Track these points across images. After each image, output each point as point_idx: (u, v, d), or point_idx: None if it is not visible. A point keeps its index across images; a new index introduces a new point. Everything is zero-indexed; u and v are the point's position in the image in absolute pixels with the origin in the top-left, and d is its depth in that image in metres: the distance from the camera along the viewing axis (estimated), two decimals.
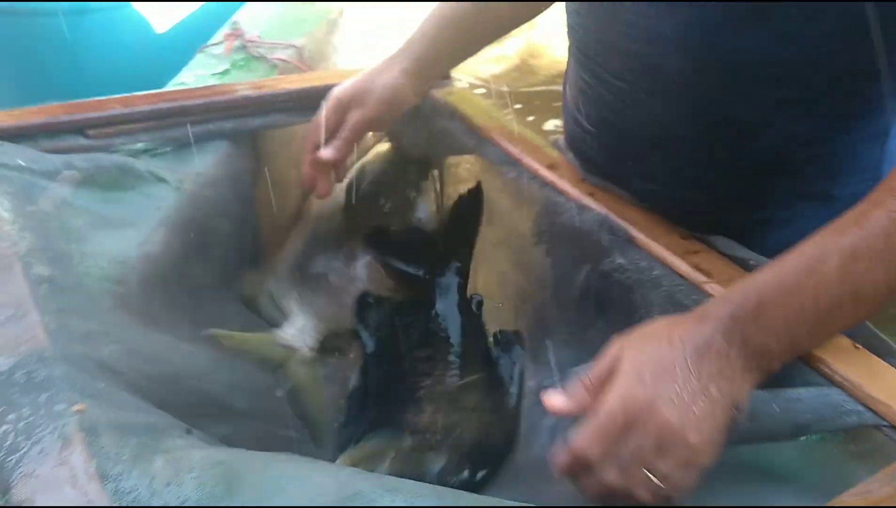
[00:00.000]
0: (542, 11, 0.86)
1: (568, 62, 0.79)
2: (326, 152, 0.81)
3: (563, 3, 0.75)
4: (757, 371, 0.51)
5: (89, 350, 0.58)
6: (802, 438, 0.55)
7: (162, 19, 1.70)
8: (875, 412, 0.53)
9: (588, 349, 0.57)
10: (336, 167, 0.84)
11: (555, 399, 0.52)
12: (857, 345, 0.57)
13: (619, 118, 0.72)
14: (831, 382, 0.55)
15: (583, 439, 0.49)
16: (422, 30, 0.84)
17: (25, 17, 1.75)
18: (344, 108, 0.82)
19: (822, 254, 0.52)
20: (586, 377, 0.52)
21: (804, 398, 0.54)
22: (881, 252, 0.51)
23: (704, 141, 0.68)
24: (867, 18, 0.56)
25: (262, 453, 0.50)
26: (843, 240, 0.52)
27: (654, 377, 0.50)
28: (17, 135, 0.78)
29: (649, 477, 0.48)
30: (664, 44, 0.64)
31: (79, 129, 0.82)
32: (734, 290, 0.54)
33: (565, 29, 0.76)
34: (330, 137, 0.82)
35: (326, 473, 0.48)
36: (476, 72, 1.08)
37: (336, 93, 0.83)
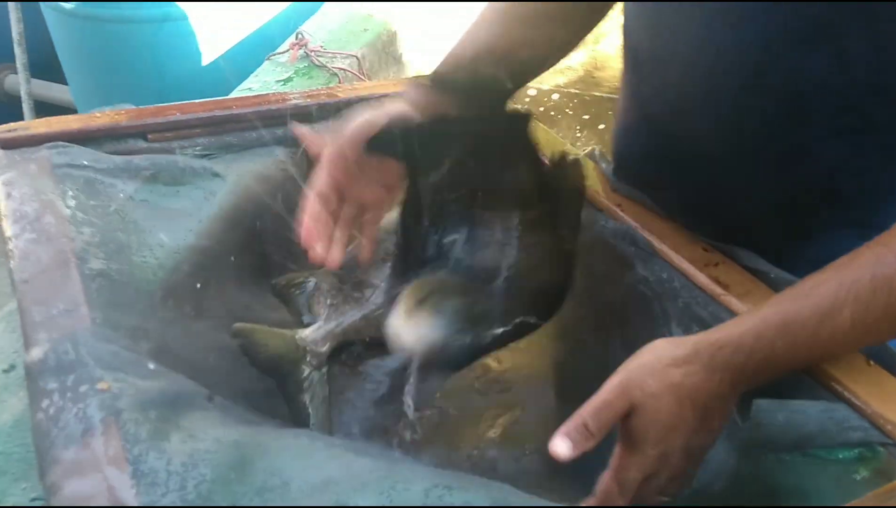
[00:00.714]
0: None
1: (623, 69, 0.80)
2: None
3: (621, 4, 0.75)
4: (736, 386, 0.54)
5: (129, 338, 0.62)
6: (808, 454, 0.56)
7: (235, 28, 1.78)
8: (881, 430, 0.53)
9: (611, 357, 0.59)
10: None
11: (560, 449, 0.53)
12: (871, 362, 0.57)
13: (671, 128, 0.73)
14: (839, 398, 0.55)
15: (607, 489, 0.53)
16: (441, 67, 0.77)
17: (114, 23, 1.85)
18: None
19: (832, 304, 0.53)
20: (589, 420, 0.53)
21: (809, 411, 0.55)
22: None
23: (752, 159, 0.68)
24: None
25: (279, 430, 0.53)
26: (849, 289, 0.53)
27: (668, 438, 0.52)
28: (84, 138, 0.84)
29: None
30: (725, 59, 0.65)
31: (140, 133, 0.87)
32: (747, 333, 0.54)
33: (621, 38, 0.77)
34: None
35: (338, 458, 0.50)
36: (539, 81, 1.10)
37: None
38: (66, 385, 0.50)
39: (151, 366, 0.56)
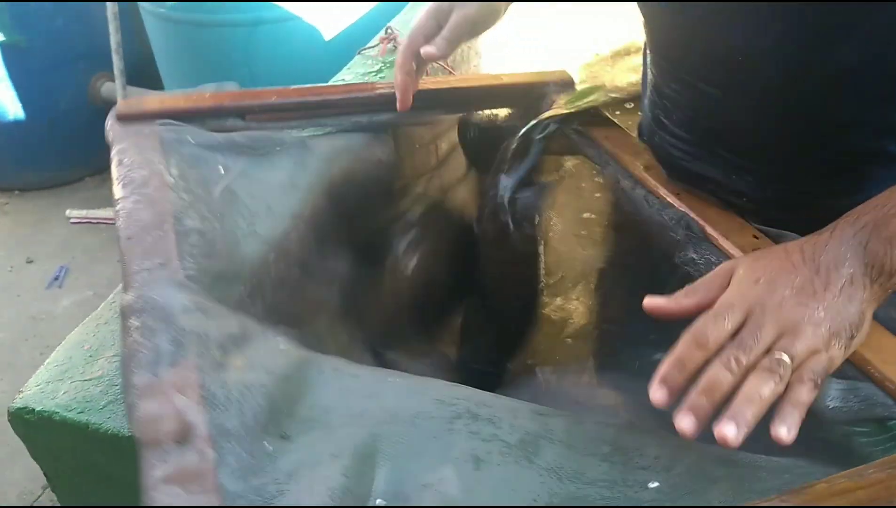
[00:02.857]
0: None
1: (645, 71, 0.83)
2: (428, 49, 0.82)
3: (643, 8, 0.78)
4: (877, 285, 0.53)
5: (221, 287, 0.69)
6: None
7: (329, 27, 1.88)
8: None
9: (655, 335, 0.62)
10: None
11: (656, 300, 0.54)
12: None
13: (711, 122, 0.76)
14: (867, 376, 0.57)
15: (700, 324, 0.51)
16: None
17: (211, 27, 1.98)
18: (445, 12, 0.84)
19: None
20: (691, 286, 0.54)
21: (834, 386, 0.56)
22: None
23: (798, 139, 0.71)
24: None
25: (326, 364, 0.59)
26: None
27: (766, 275, 0.52)
28: (190, 116, 0.93)
29: (780, 357, 0.48)
30: (761, 54, 0.67)
31: (240, 113, 0.96)
32: (855, 209, 0.55)
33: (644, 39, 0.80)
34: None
35: (373, 390, 0.56)
36: (614, 80, 1.13)
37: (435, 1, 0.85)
38: (147, 324, 0.58)
39: (224, 310, 0.62)
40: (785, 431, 0.48)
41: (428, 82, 1.06)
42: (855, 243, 0.53)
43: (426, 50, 0.82)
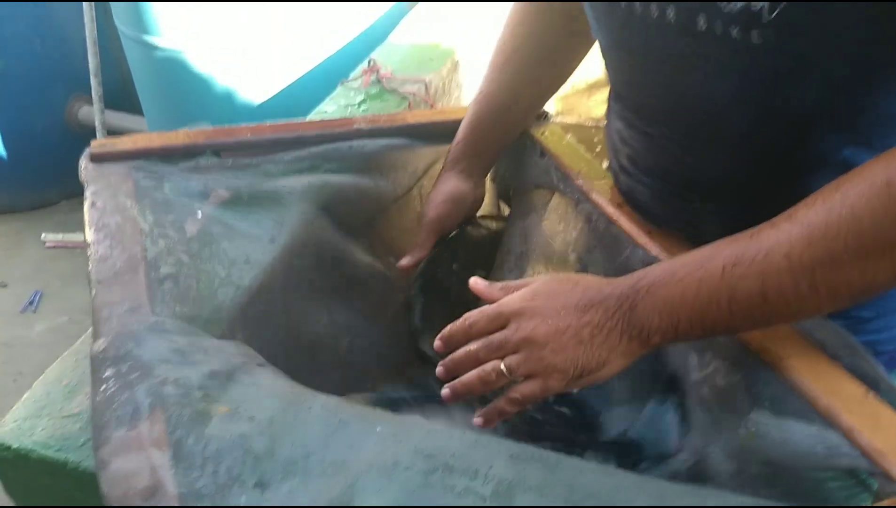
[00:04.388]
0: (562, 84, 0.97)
1: (609, 119, 0.84)
2: (405, 261, 0.95)
3: (604, 56, 0.80)
4: (637, 341, 0.62)
5: (192, 331, 0.69)
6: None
7: (311, 57, 1.88)
8: (869, 459, 0.55)
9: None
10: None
11: (480, 284, 0.69)
12: (868, 393, 0.59)
13: (676, 167, 0.76)
14: (834, 425, 0.58)
15: (471, 314, 0.67)
16: (461, 133, 0.97)
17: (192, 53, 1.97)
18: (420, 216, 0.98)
19: (712, 255, 0.61)
20: (506, 285, 0.68)
21: (802, 432, 0.57)
22: (759, 264, 0.58)
23: (765, 179, 0.71)
24: None
25: (310, 406, 0.59)
26: (732, 247, 0.60)
27: (544, 300, 0.64)
28: (164, 155, 0.93)
29: (500, 366, 0.63)
30: (721, 101, 0.68)
31: (215, 151, 0.96)
32: (640, 271, 0.64)
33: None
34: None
35: (354, 438, 0.56)
36: (590, 112, 1.15)
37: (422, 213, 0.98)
38: (121, 373, 0.58)
39: (198, 346, 0.62)
40: (479, 420, 0.67)
41: (409, 116, 1.07)
42: (627, 303, 0.62)
43: (401, 264, 0.95)
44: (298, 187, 0.91)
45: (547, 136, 0.99)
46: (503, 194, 1.08)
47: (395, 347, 0.98)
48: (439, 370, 0.67)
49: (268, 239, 0.83)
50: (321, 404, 0.61)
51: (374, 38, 1.73)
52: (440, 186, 0.97)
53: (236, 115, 1.88)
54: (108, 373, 0.58)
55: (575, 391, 0.72)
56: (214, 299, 0.75)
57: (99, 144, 0.90)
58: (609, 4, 0.71)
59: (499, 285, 0.69)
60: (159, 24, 1.90)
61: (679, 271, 0.62)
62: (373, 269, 0.99)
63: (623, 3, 0.68)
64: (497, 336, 0.65)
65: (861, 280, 0.56)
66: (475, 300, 0.71)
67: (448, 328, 0.68)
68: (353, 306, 0.96)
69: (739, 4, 0.59)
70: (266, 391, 0.61)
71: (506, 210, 1.10)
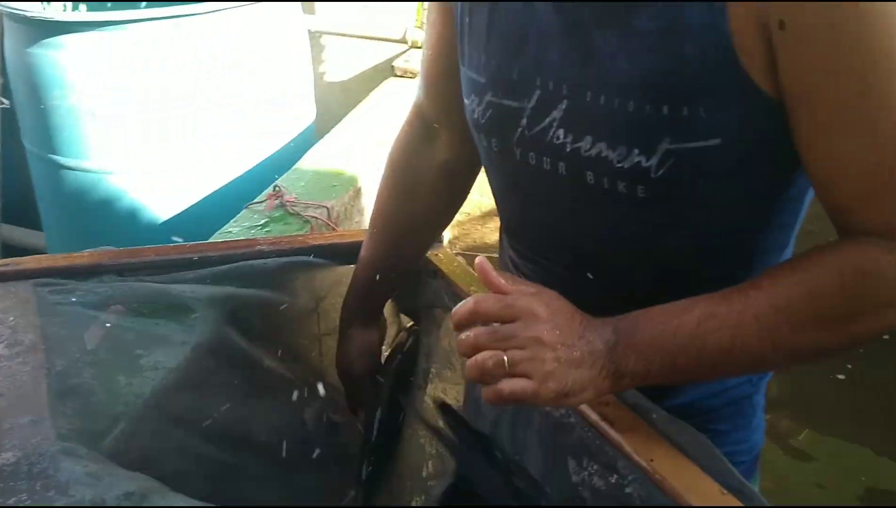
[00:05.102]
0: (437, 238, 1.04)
1: (502, 245, 0.91)
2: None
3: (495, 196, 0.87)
4: (610, 379, 0.67)
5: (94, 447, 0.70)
6: None
7: (212, 180, 1.93)
8: None
9: None
10: None
11: (486, 266, 0.68)
12: (724, 491, 0.66)
13: (567, 295, 0.82)
14: None
15: (486, 299, 0.66)
16: (351, 295, 1.03)
17: (97, 173, 2.01)
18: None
19: (688, 307, 0.67)
20: (514, 278, 0.71)
21: None
22: (731, 322, 0.65)
23: (653, 300, 0.76)
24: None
25: None
26: (707, 303, 0.67)
27: (554, 310, 0.66)
28: (68, 275, 0.95)
29: (502, 358, 0.64)
30: (605, 245, 0.76)
31: (119, 271, 0.98)
32: (629, 315, 0.68)
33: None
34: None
35: None
36: (483, 238, 1.23)
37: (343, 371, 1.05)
38: (36, 489, 0.59)
39: (110, 472, 0.64)
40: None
41: (310, 238, 1.13)
42: (613, 340, 0.67)
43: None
44: (205, 298, 0.94)
45: (440, 257, 1.06)
46: (402, 310, 1.13)
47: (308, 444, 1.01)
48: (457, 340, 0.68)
49: (178, 343, 0.85)
50: None
51: (281, 163, 1.80)
52: (353, 344, 1.02)
53: (139, 234, 1.90)
54: (21, 486, 0.60)
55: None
56: (114, 410, 0.77)
57: (3, 263, 0.92)
58: (504, 154, 0.77)
59: (507, 276, 0.70)
60: (67, 143, 1.93)
61: (657, 317, 0.68)
62: (282, 375, 1.02)
63: (518, 152, 0.76)
64: (505, 328, 0.65)
65: (815, 345, 0.67)
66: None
67: (455, 310, 0.68)
68: (263, 407, 0.97)
69: (632, 161, 0.68)
70: None
71: (407, 321, 1.14)
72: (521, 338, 0.64)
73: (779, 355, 0.68)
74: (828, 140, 0.64)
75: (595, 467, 0.73)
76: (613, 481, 0.71)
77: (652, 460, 0.69)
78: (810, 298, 0.65)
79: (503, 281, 0.68)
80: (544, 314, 0.65)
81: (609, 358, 0.66)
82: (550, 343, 0.64)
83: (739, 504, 0.65)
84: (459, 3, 0.77)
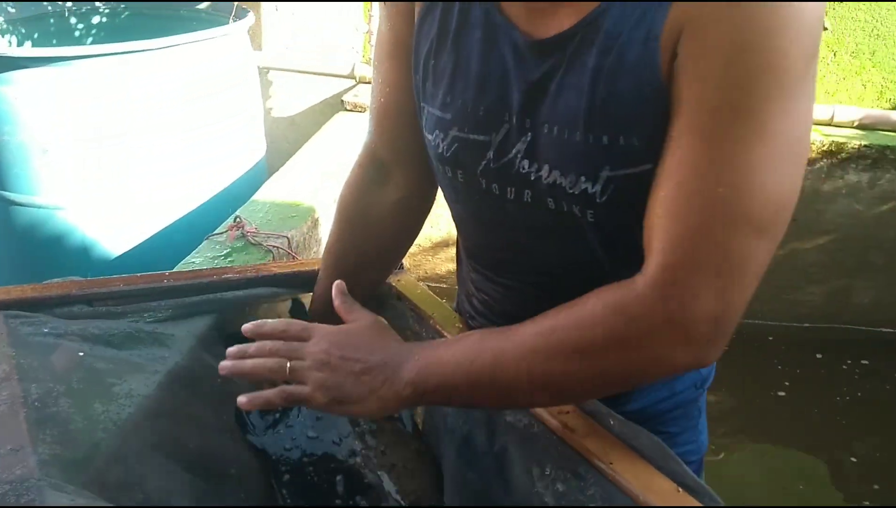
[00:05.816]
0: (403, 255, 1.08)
1: (461, 269, 0.97)
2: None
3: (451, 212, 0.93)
4: (392, 391, 0.76)
5: (73, 475, 0.72)
6: None
7: (164, 215, 1.94)
8: None
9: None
10: None
11: (342, 296, 0.88)
12: (679, 490, 0.71)
13: (529, 313, 0.87)
14: None
15: (294, 324, 0.82)
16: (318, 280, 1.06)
17: (50, 208, 2.00)
18: None
19: (481, 341, 0.75)
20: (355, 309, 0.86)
21: None
22: (496, 343, 0.74)
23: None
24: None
25: None
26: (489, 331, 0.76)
27: (352, 336, 0.80)
28: (37, 304, 0.96)
29: (285, 364, 0.78)
30: (563, 261, 0.83)
31: (87, 301, 1.00)
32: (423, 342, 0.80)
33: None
34: None
35: None
36: (434, 269, 1.27)
37: None
38: None
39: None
40: (244, 400, 0.80)
41: (273, 267, 1.16)
42: (401, 358, 0.77)
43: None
44: (177, 327, 0.96)
45: (402, 283, 1.10)
46: None
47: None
48: (232, 349, 0.82)
49: (151, 371, 0.88)
50: None
51: (233, 196, 1.82)
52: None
53: (91, 269, 1.90)
54: None
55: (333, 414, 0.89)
56: (93, 437, 0.78)
57: None
58: (470, 184, 0.82)
59: (351, 305, 0.86)
60: (18, 179, 1.92)
61: (452, 344, 0.77)
62: None
63: (483, 182, 0.81)
64: (295, 344, 0.80)
65: (563, 375, 0.71)
66: None
67: (264, 322, 0.83)
68: (237, 437, 0.99)
69: (580, 187, 0.74)
70: None
71: None
72: (304, 352, 0.79)
73: (532, 385, 0.72)
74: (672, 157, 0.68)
75: (558, 472, 0.78)
76: (575, 484, 0.76)
77: (612, 463, 0.74)
78: (572, 328, 0.71)
79: (347, 310, 0.85)
80: (337, 341, 0.79)
81: (393, 372, 0.76)
82: (327, 359, 0.78)
83: (695, 501, 0.70)
84: (424, 48, 0.82)
